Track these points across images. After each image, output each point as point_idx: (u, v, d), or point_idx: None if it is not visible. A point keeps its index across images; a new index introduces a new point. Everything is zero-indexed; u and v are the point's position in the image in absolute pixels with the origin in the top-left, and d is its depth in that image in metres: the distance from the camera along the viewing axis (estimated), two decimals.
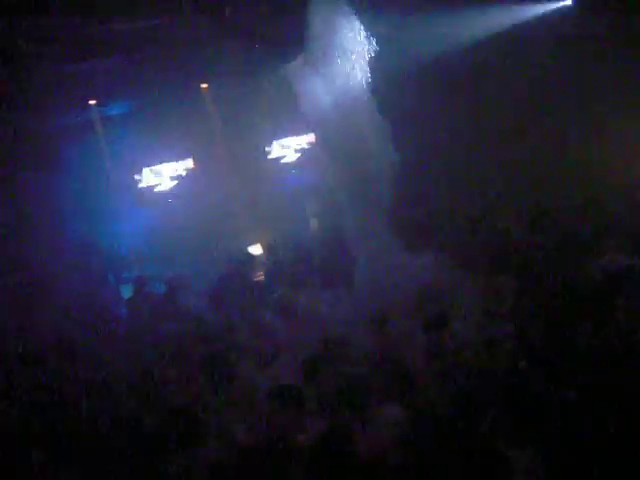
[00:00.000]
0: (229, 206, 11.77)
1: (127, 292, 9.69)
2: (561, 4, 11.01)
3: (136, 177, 12.04)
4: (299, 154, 13.09)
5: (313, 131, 12.39)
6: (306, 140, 12.98)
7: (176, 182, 12.28)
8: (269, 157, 12.99)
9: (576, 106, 10.49)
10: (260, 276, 9.33)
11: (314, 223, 12.52)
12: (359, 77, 8.12)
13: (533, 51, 10.67)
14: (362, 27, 7.71)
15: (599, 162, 9.50)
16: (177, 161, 12.30)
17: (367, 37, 7.81)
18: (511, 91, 10.90)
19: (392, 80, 9.41)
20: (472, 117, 11.28)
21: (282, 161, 13.09)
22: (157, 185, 12.23)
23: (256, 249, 10.95)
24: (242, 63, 9.99)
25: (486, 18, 10.71)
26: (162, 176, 12.25)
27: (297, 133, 12.89)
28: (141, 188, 12.12)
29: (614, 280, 5.53)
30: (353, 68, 8.12)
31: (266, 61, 9.78)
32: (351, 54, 7.85)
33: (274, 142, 12.97)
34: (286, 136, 12.94)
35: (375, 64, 8.04)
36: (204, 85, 11.53)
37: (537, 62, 10.70)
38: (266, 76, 10.56)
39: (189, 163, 12.37)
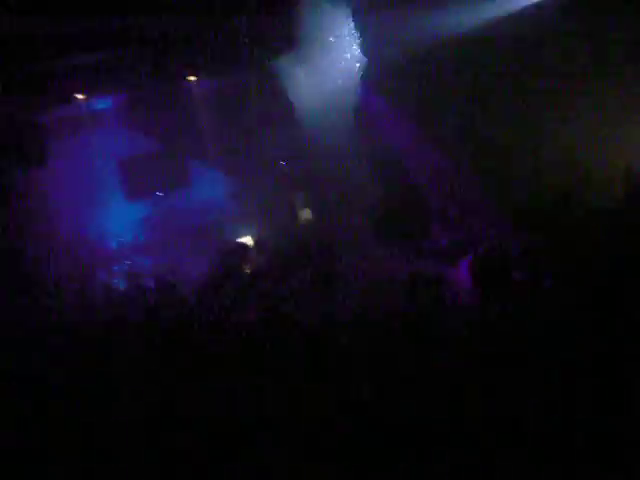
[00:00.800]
0: (218, 199, 11.84)
1: (120, 285, 9.76)
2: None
3: (126, 170, 12.08)
4: (288, 147, 13.13)
5: (300, 125, 12.48)
6: (294, 134, 13.03)
7: (165, 175, 12.32)
8: (258, 150, 13.02)
9: (556, 99, 10.71)
10: (249, 268, 9.43)
11: (302, 216, 12.59)
12: (347, 73, 8.22)
13: (518, 44, 10.87)
14: (352, 24, 7.80)
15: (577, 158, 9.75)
16: (166, 154, 12.34)
17: (356, 34, 7.89)
18: (495, 84, 11.07)
19: (381, 76, 9.50)
20: (459, 111, 11.42)
21: (271, 154, 13.11)
22: (146, 178, 12.27)
23: (247, 241, 11.03)
24: (232, 57, 10.04)
25: (473, 11, 10.87)
26: (151, 169, 12.29)
27: (285, 126, 12.93)
28: (130, 181, 12.16)
29: None
30: (341, 64, 8.22)
31: (256, 55, 9.84)
32: (340, 50, 7.95)
33: (262, 135, 12.99)
34: (274, 129, 12.97)
35: (364, 60, 8.14)
36: (192, 78, 11.56)
37: (521, 53, 10.91)
38: (256, 70, 10.63)
39: (177, 156, 12.41)
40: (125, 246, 11.57)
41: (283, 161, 13.02)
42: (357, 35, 7.97)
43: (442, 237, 8.92)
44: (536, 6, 10.96)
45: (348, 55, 8.03)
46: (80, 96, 10.73)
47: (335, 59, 8.11)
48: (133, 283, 8.87)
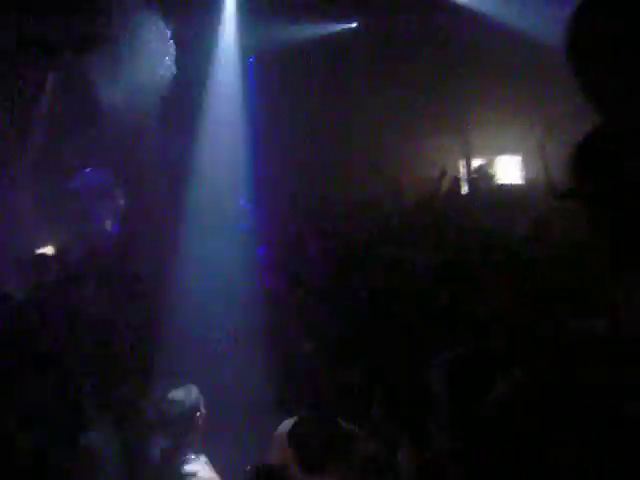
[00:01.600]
0: (15, 207, 10.99)
1: None
2: (346, 26, 12.37)
3: None
4: (91, 152, 12.53)
5: (105, 128, 12.06)
6: (100, 137, 12.50)
7: None
8: (60, 155, 12.26)
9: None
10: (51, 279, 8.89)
11: (108, 224, 12.10)
12: (156, 79, 8.15)
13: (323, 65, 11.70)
14: (165, 31, 7.78)
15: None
16: None
17: (169, 41, 7.89)
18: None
19: (189, 85, 9.54)
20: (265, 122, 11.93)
21: (71, 160, 12.41)
22: None
23: (47, 251, 10.40)
24: (38, 53, 9.43)
25: (283, 33, 11.44)
26: None
27: (91, 130, 12.35)
28: None
29: None
30: (151, 70, 8.14)
31: (63, 53, 9.33)
32: (151, 56, 7.86)
33: (64, 139, 12.27)
34: (78, 132, 12.32)
35: (175, 68, 8.15)
36: None
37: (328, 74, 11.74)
38: (58, 68, 10.08)
39: None
40: None
41: (88, 168, 12.44)
42: (169, 40, 7.94)
43: None
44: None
45: (162, 58, 7.95)
46: None
47: (147, 61, 7.98)
48: None
